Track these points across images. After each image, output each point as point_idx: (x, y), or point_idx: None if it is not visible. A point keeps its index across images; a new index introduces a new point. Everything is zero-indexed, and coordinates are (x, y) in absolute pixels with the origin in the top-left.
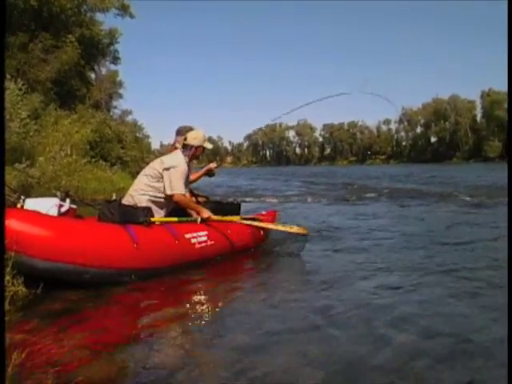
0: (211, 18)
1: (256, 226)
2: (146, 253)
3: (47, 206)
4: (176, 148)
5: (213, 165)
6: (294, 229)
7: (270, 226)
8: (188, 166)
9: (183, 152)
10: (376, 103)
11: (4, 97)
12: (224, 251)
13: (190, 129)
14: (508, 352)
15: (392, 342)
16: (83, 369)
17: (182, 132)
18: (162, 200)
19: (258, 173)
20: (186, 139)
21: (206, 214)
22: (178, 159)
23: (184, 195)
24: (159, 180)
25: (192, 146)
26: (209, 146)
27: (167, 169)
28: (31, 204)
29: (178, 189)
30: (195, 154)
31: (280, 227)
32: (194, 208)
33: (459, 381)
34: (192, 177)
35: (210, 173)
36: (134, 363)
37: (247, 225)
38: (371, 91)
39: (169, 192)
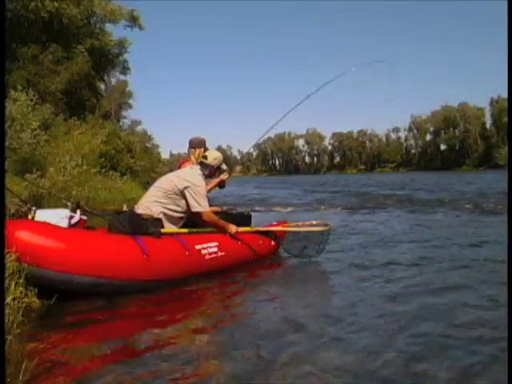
0: (219, 24)
1: (275, 233)
2: (156, 264)
3: (58, 217)
4: (188, 160)
5: (224, 176)
6: (316, 228)
7: (291, 228)
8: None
9: (200, 169)
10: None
11: (4, 102)
12: (235, 262)
13: (202, 141)
14: (508, 352)
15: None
16: (95, 379)
17: (195, 143)
18: (176, 214)
19: (268, 182)
20: (205, 157)
21: (234, 229)
22: (198, 178)
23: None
24: (177, 194)
25: (212, 167)
26: (224, 166)
27: (189, 187)
28: (42, 215)
29: (205, 206)
30: (211, 174)
31: (301, 228)
32: (222, 225)
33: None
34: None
35: (221, 184)
36: (148, 373)
37: (262, 234)
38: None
39: (197, 210)
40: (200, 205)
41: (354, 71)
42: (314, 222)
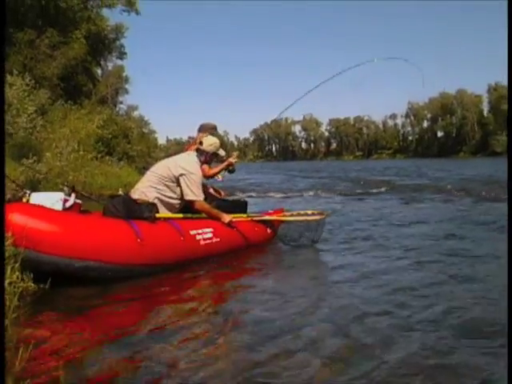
0: (218, 8)
1: (271, 221)
2: (150, 248)
3: (52, 200)
4: (194, 144)
5: (232, 159)
6: (311, 217)
7: (287, 218)
8: (201, 169)
9: (197, 155)
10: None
11: (4, 95)
12: (230, 248)
13: (208, 126)
14: (508, 351)
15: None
16: (92, 363)
17: (204, 128)
18: (171, 200)
19: (265, 167)
20: (201, 143)
21: (227, 218)
22: (194, 165)
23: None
24: (172, 181)
25: (207, 153)
26: (222, 153)
27: (184, 174)
28: (36, 198)
29: (198, 195)
30: (207, 160)
31: (298, 217)
32: (215, 214)
33: None
34: (211, 171)
35: (230, 167)
36: (143, 358)
37: (258, 221)
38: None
39: (190, 198)
40: (194, 193)
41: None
42: (310, 212)
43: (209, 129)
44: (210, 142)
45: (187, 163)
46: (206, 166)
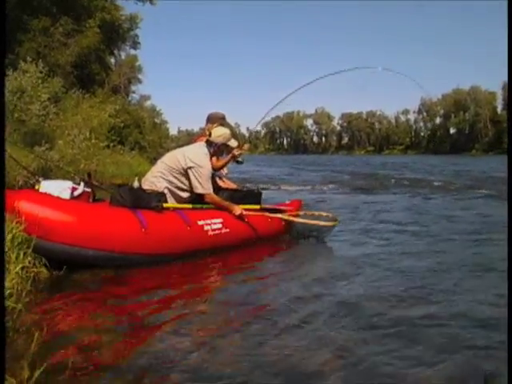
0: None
1: (281, 219)
2: (155, 238)
3: (60, 188)
4: (203, 135)
5: (236, 151)
6: (323, 222)
7: (298, 219)
8: (210, 161)
9: (206, 146)
10: (395, 91)
11: (4, 88)
12: (240, 240)
13: (216, 116)
14: (508, 352)
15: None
16: (103, 349)
17: (212, 119)
18: (180, 191)
19: (276, 160)
20: (210, 135)
21: (238, 211)
22: (203, 158)
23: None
24: (181, 173)
25: (216, 144)
26: (234, 143)
27: (193, 167)
28: (46, 186)
29: (208, 189)
30: (217, 152)
31: (309, 220)
32: (226, 206)
33: None
34: (218, 163)
35: (238, 159)
36: (153, 345)
37: (271, 213)
38: (398, 71)
39: (200, 191)
40: (203, 187)
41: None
42: (324, 214)
43: (217, 119)
44: (218, 133)
45: (196, 156)
46: (213, 159)
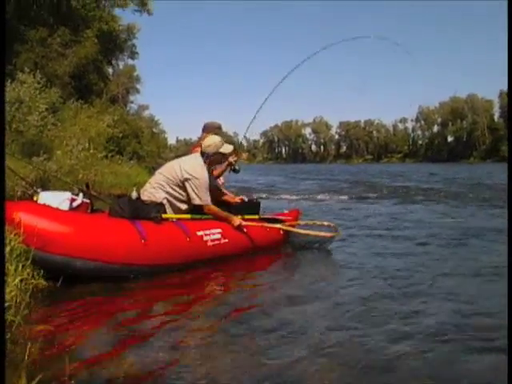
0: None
1: (280, 229)
2: (155, 249)
3: (59, 199)
4: (199, 145)
5: (232, 159)
6: (323, 233)
7: (298, 230)
8: (208, 171)
9: (202, 158)
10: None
11: (4, 91)
12: (239, 250)
13: (212, 126)
14: (508, 352)
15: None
16: (102, 361)
17: (208, 128)
18: (179, 202)
19: (274, 169)
20: (202, 146)
21: (237, 222)
22: (199, 169)
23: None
24: (179, 184)
25: (208, 154)
26: (226, 150)
27: (189, 179)
28: (45, 197)
29: (205, 200)
30: (213, 162)
31: (309, 232)
32: (224, 217)
33: None
34: (215, 172)
35: (235, 167)
36: (153, 357)
37: (269, 223)
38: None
39: (197, 203)
40: (200, 198)
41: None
42: (326, 224)
43: (213, 128)
44: (208, 143)
45: (191, 167)
46: (218, 168)
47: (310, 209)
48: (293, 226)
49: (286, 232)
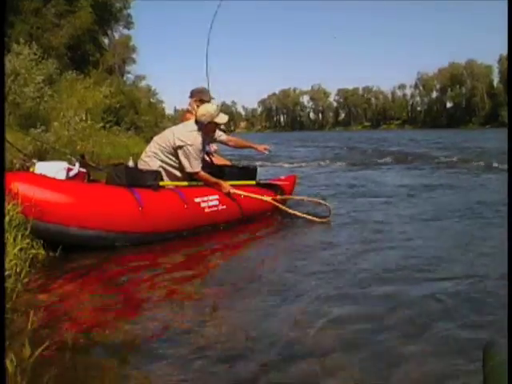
0: None
1: (281, 187)
2: (152, 216)
3: (56, 169)
4: (189, 111)
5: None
6: (310, 217)
7: (290, 210)
8: (203, 138)
9: (198, 124)
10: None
11: (4, 64)
12: (237, 216)
13: (199, 91)
14: (508, 351)
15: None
16: (103, 327)
17: (194, 94)
18: (174, 169)
19: (273, 138)
20: (196, 115)
21: (227, 188)
22: (191, 136)
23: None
24: (172, 152)
25: (202, 123)
26: (221, 120)
27: (182, 146)
28: (41, 167)
29: (195, 167)
30: (208, 131)
31: (299, 213)
32: (215, 183)
33: None
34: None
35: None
36: (152, 323)
37: (266, 188)
38: None
39: (188, 170)
40: (191, 165)
41: None
42: (322, 201)
43: (197, 93)
44: (201, 113)
45: (184, 134)
46: (232, 138)
47: (308, 175)
48: (289, 194)
49: (283, 194)
